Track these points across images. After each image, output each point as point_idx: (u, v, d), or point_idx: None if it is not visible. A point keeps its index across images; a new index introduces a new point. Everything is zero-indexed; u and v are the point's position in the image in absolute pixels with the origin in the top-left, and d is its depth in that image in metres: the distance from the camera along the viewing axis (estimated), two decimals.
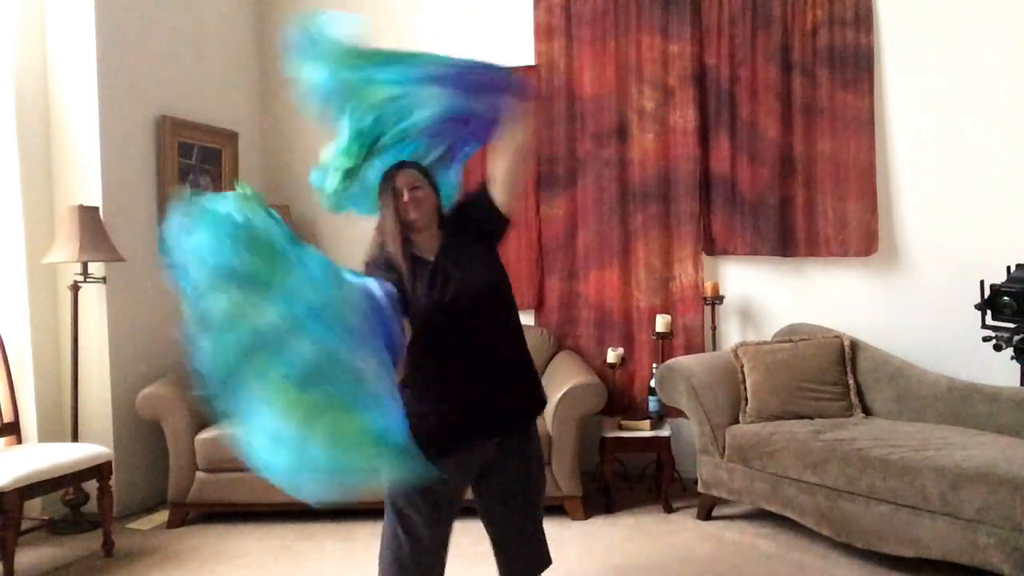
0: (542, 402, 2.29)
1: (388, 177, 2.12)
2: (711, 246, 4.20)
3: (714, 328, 4.13)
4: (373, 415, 1.56)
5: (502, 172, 2.15)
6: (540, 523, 2.37)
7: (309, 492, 1.63)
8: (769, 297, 4.19)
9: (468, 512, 2.60)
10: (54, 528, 3.49)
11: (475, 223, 2.17)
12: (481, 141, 2.22)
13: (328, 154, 2.13)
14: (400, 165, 2.15)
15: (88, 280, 3.53)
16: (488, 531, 2.32)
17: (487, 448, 2.14)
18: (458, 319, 2.04)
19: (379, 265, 2.07)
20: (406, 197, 2.09)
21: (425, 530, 2.09)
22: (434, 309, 2.03)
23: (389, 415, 1.60)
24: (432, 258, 2.12)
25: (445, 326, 2.05)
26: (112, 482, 3.28)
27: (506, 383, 2.14)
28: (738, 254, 4.17)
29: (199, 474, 3.56)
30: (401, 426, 1.61)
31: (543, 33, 4.31)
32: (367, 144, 2.10)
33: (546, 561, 2.37)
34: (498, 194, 2.15)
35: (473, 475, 2.19)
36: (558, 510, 3.53)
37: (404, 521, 2.10)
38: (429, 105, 2.04)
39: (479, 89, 2.09)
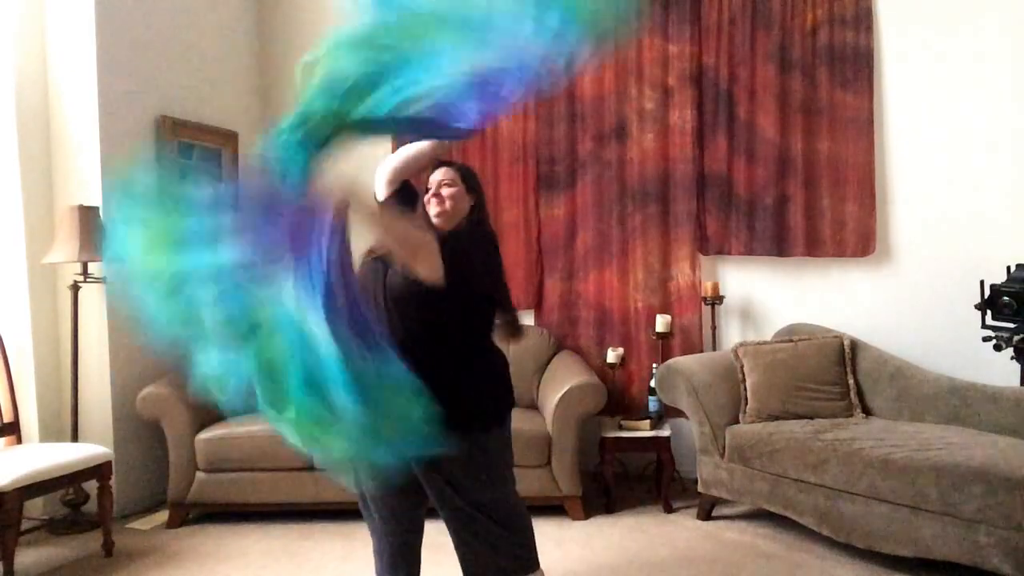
0: (452, 419, 1.86)
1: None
2: (706, 246, 4.20)
3: (714, 328, 4.13)
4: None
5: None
6: (498, 535, 2.13)
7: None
8: (769, 297, 4.19)
9: None
10: (54, 528, 3.49)
11: None
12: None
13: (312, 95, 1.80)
14: (441, 163, 2.19)
15: (88, 280, 3.53)
16: None
17: None
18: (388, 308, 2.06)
19: None
20: (432, 191, 2.14)
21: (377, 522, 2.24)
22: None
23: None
24: None
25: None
26: (112, 482, 3.28)
27: None
28: (733, 254, 4.17)
29: (199, 474, 3.56)
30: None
31: None
32: (361, 94, 1.83)
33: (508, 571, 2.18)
34: None
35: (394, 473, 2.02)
36: (558, 510, 3.54)
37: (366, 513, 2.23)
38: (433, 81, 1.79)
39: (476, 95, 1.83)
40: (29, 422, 3.55)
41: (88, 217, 3.46)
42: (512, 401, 2.27)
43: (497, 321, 2.22)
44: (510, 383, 2.26)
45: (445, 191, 2.13)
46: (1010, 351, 3.28)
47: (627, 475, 4.12)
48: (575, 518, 3.54)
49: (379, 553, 2.32)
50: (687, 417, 3.58)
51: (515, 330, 2.27)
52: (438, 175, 2.16)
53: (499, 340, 2.25)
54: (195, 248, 1.65)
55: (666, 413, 3.93)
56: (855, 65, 3.98)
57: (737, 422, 3.46)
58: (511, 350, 3.61)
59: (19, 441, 3.38)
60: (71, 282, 3.52)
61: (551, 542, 3.21)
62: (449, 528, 2.16)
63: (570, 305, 4.33)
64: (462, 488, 2.10)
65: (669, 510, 3.65)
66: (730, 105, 4.12)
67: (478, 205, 2.18)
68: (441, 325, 2.07)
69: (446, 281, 1.93)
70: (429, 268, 1.91)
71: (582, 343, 4.28)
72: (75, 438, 3.55)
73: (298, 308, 1.63)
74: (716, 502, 3.54)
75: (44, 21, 3.68)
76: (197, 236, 1.66)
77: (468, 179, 2.18)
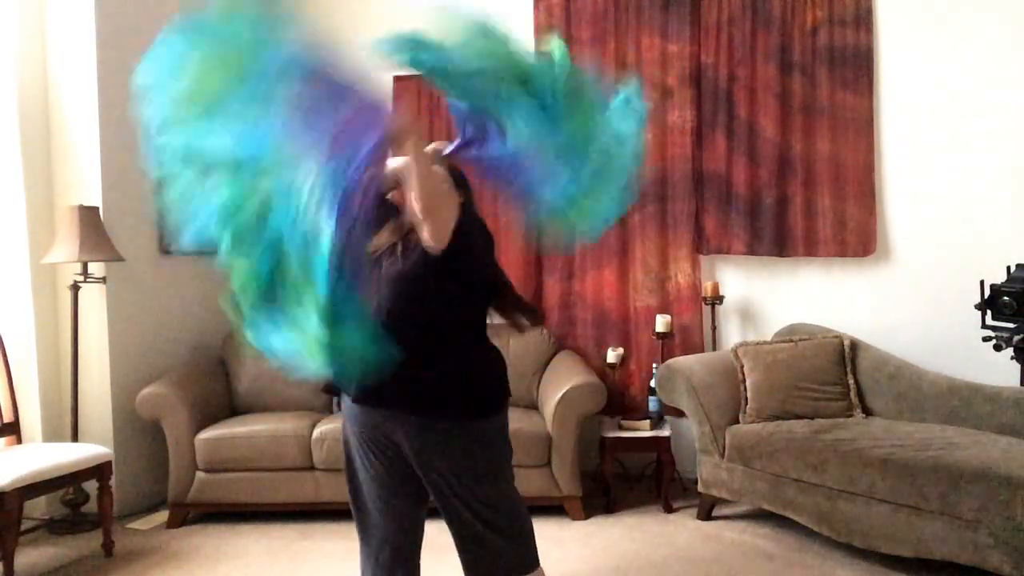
0: (447, 408, 2.04)
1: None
2: (705, 245, 4.19)
3: (714, 328, 4.13)
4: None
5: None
6: (501, 532, 2.12)
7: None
8: (769, 297, 4.18)
9: None
10: (54, 528, 3.49)
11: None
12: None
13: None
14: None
15: (88, 280, 3.53)
16: None
17: (387, 420, 2.06)
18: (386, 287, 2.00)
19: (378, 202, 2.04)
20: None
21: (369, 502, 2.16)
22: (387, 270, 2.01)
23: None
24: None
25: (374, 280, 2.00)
26: (112, 482, 3.28)
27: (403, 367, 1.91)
28: (732, 253, 4.17)
29: (199, 474, 3.56)
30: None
31: (543, 33, 4.31)
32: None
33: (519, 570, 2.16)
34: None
35: (390, 448, 2.11)
36: (558, 510, 3.54)
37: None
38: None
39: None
40: (30, 422, 3.55)
41: (88, 217, 3.46)
42: (508, 392, 2.22)
43: (500, 318, 2.20)
44: (506, 375, 2.22)
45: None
46: (1010, 351, 3.27)
47: (627, 475, 4.11)
48: (575, 518, 3.54)
49: (373, 557, 2.21)
50: (687, 417, 3.58)
51: (529, 314, 2.24)
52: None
53: (514, 330, 2.26)
54: (238, 110, 1.61)
55: (666, 413, 3.93)
56: (855, 65, 3.98)
57: (737, 422, 3.46)
58: (511, 350, 3.64)
59: (19, 441, 3.38)
60: (71, 282, 3.52)
61: (551, 542, 3.21)
62: (450, 526, 2.13)
63: (570, 305, 4.32)
64: (461, 482, 2.08)
65: (669, 510, 3.65)
66: (729, 105, 4.11)
67: (467, 202, 2.10)
68: (442, 313, 2.05)
69: (447, 250, 1.89)
70: (441, 230, 1.85)
71: (582, 343, 4.28)
72: (75, 438, 3.55)
73: (311, 201, 1.58)
74: (716, 502, 3.54)
75: (44, 22, 3.68)
76: (249, 95, 1.60)
77: (455, 177, 2.10)
